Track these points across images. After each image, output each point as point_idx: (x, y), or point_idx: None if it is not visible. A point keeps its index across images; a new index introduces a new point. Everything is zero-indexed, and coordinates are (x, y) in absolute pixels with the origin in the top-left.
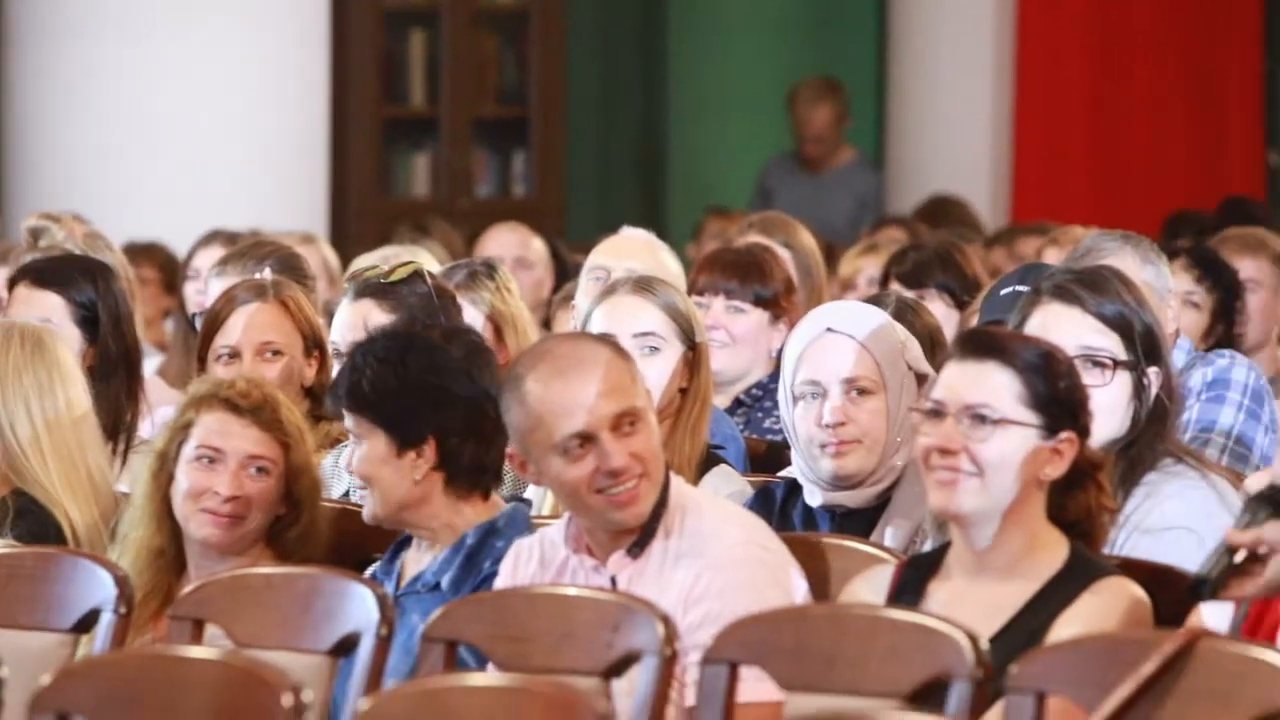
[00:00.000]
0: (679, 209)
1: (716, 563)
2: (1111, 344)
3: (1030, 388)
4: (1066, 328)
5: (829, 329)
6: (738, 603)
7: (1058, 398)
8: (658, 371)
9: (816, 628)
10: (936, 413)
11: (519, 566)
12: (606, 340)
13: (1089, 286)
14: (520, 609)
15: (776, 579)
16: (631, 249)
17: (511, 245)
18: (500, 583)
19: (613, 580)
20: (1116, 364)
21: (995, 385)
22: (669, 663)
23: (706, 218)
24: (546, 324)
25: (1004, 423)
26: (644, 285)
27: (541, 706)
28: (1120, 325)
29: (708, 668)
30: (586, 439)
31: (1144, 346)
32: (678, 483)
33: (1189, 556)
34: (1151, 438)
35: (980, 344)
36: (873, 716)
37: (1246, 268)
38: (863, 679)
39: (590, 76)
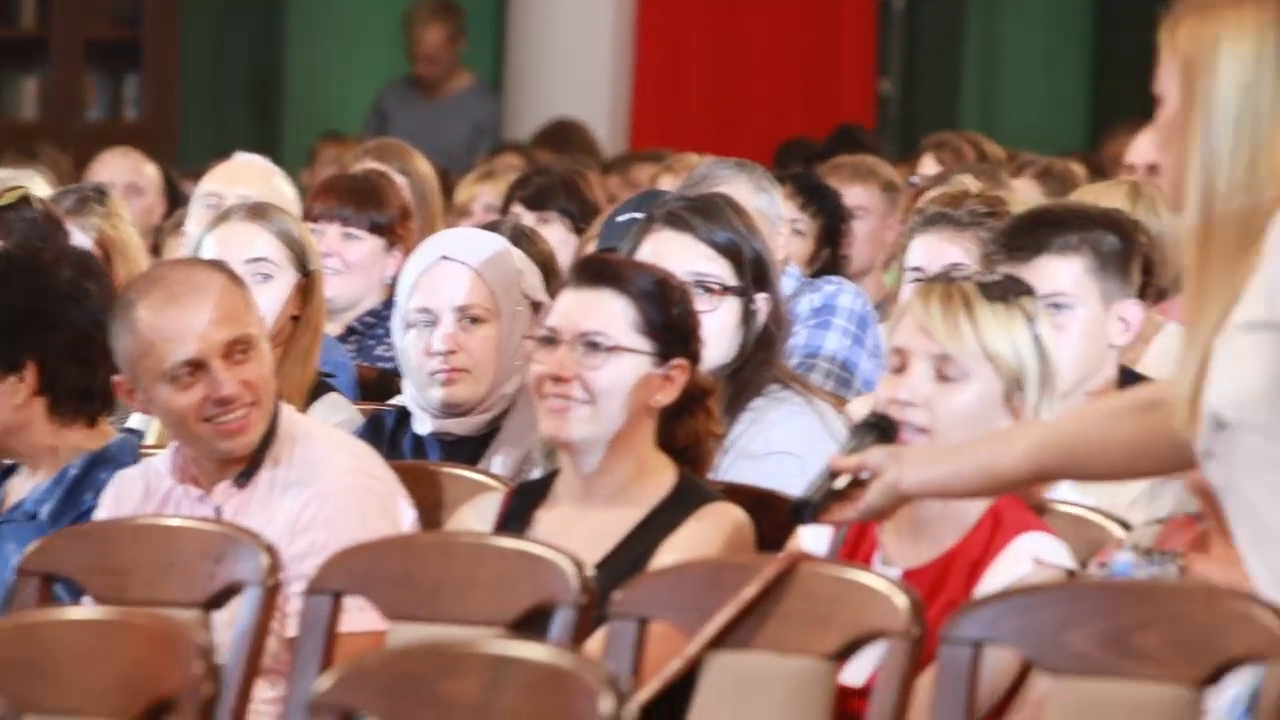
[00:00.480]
0: (295, 134)
1: (324, 491)
2: (721, 270)
3: (644, 315)
4: (677, 254)
5: (444, 256)
6: (344, 532)
7: (670, 325)
8: (270, 299)
9: (422, 556)
10: (550, 340)
11: (122, 498)
12: (220, 266)
13: (700, 213)
14: (121, 541)
15: (385, 507)
16: (245, 175)
17: (123, 170)
18: (101, 514)
19: (218, 510)
20: (725, 290)
21: (610, 313)
22: (271, 594)
23: (321, 143)
24: (156, 251)
25: (617, 350)
26: (257, 212)
27: (139, 639)
28: (730, 252)
29: (311, 598)
30: (197, 366)
31: (753, 273)
32: (288, 411)
33: (792, 481)
34: (758, 364)
35: (595, 271)
36: (472, 643)
37: (855, 195)
38: (468, 607)
39: None
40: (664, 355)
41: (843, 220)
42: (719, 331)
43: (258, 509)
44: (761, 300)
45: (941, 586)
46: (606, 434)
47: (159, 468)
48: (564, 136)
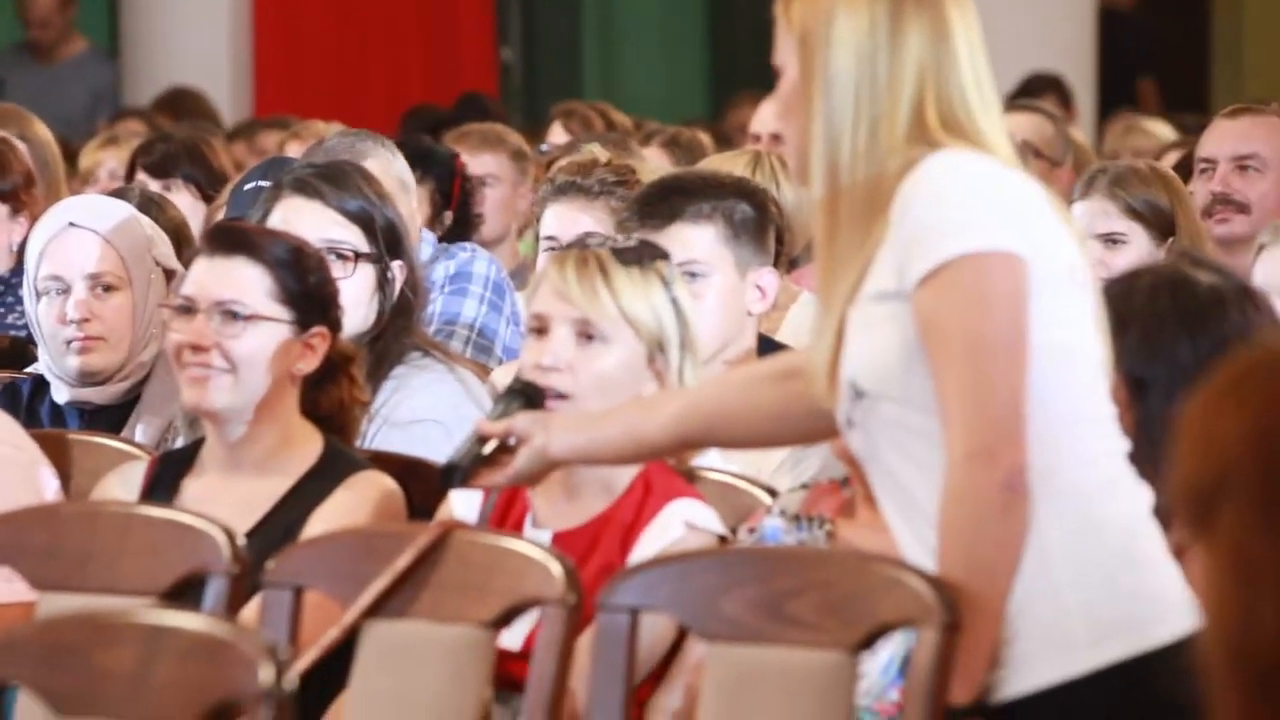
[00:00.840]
0: None
1: None
2: (353, 237)
3: (280, 283)
4: (309, 221)
5: (71, 223)
6: None
7: (308, 292)
8: None
9: (69, 526)
10: (187, 309)
11: None
12: None
13: (329, 181)
14: None
15: (28, 477)
16: None
17: None
18: None
19: None
20: (359, 256)
21: (246, 281)
22: None
23: None
24: None
25: (255, 318)
26: None
27: None
28: (361, 219)
29: None
30: None
31: (386, 240)
32: None
33: (438, 448)
34: (398, 331)
35: (229, 239)
36: (127, 613)
37: (485, 163)
38: (118, 577)
39: None
40: (303, 324)
41: (455, 180)
42: (355, 299)
43: None
44: (397, 268)
45: (594, 549)
46: (249, 402)
47: None
48: (183, 103)
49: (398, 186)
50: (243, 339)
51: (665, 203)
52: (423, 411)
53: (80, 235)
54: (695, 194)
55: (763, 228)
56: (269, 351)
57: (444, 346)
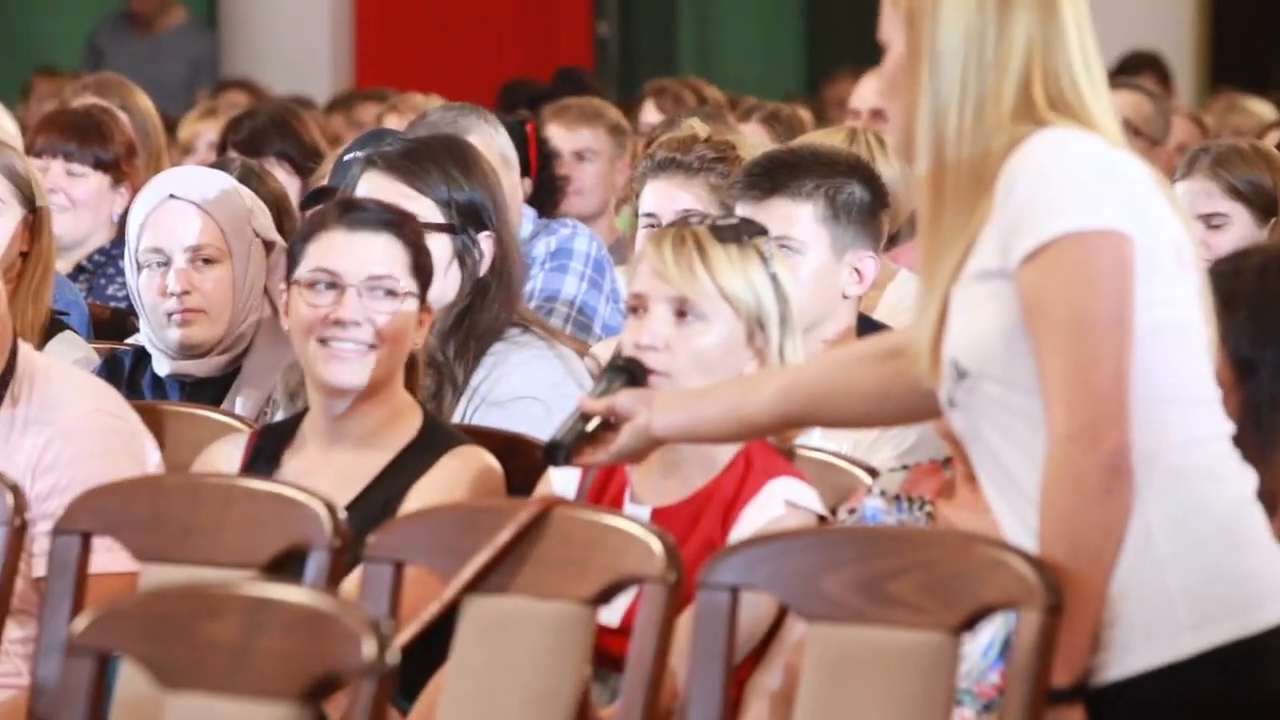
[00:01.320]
0: (6, 69)
1: (67, 431)
2: (422, 209)
3: (415, 259)
4: (381, 195)
5: (172, 195)
6: (89, 472)
7: (424, 267)
8: None
9: (171, 497)
10: (332, 284)
11: None
12: None
13: (404, 155)
14: None
15: (129, 448)
16: None
17: None
18: None
19: None
20: (428, 226)
21: (395, 257)
22: (18, 534)
23: (35, 78)
24: None
25: (405, 294)
26: None
27: None
28: (434, 193)
29: (59, 538)
30: None
31: (465, 214)
32: (25, 349)
33: (538, 425)
34: (491, 304)
35: (370, 215)
36: (231, 585)
37: (583, 137)
38: (219, 549)
39: None
40: (421, 298)
41: (529, 147)
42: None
43: None
44: (485, 240)
45: (693, 526)
46: (381, 380)
47: None
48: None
49: (500, 162)
50: (392, 316)
51: (769, 176)
52: (522, 388)
53: (181, 207)
54: (802, 170)
55: (871, 211)
56: (410, 328)
57: (543, 322)
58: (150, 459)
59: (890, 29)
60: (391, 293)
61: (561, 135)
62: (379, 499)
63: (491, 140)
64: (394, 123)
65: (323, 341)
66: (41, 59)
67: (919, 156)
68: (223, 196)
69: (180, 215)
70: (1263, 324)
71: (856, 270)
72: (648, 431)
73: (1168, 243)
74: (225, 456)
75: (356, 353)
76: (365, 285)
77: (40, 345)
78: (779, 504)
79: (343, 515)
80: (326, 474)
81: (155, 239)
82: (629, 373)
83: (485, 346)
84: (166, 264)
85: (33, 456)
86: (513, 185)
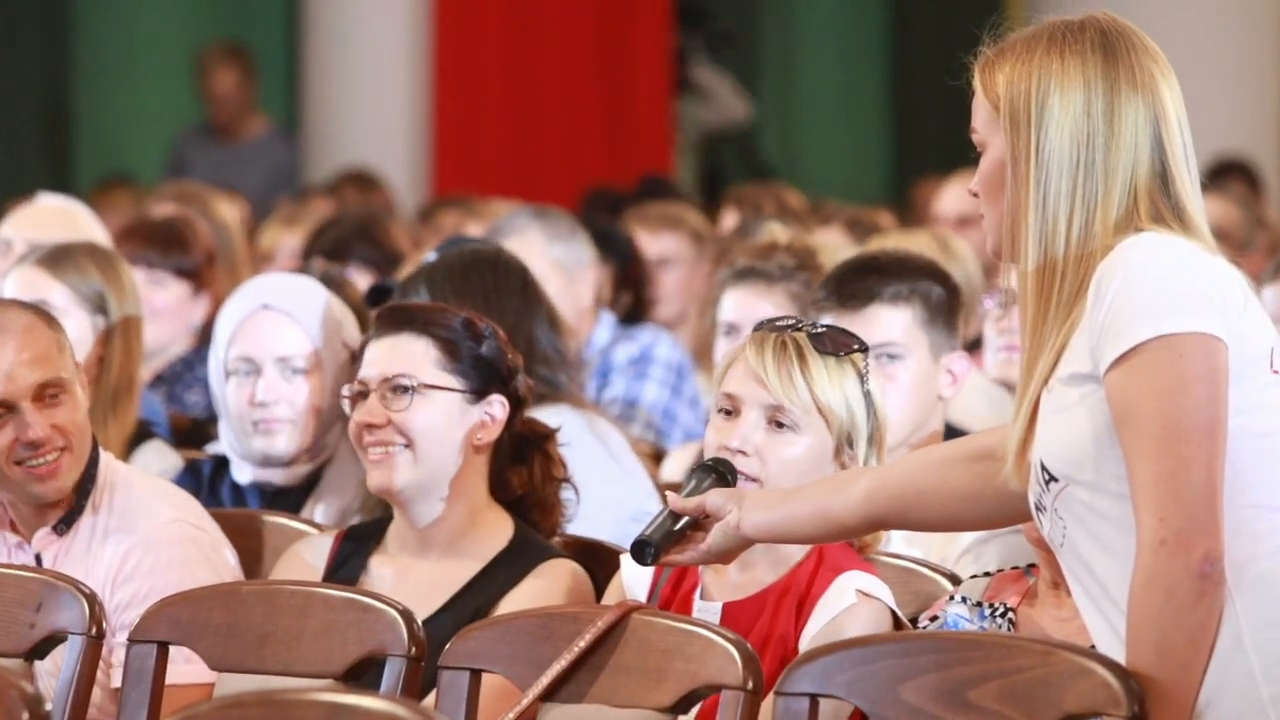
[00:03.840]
0: (85, 177)
1: (147, 540)
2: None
3: (449, 352)
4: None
5: (265, 305)
6: (168, 581)
7: (480, 360)
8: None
9: (248, 605)
10: (362, 394)
11: None
12: (31, 307)
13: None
14: None
15: (208, 557)
16: (49, 217)
17: None
18: None
19: (38, 558)
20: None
21: (411, 354)
22: (95, 643)
23: (111, 186)
24: None
25: (424, 389)
26: (49, 260)
27: None
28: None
29: (134, 647)
30: (6, 408)
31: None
32: (106, 457)
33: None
34: None
35: (395, 317)
36: (308, 692)
37: (665, 243)
38: (296, 657)
39: None
40: (478, 392)
41: (633, 264)
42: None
43: (78, 557)
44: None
45: (765, 619)
46: (433, 478)
47: None
48: (362, 183)
49: (549, 266)
50: (414, 411)
51: (862, 283)
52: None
53: (274, 317)
54: (891, 275)
55: (953, 310)
56: (444, 422)
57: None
58: (230, 567)
59: (989, 130)
60: (405, 389)
61: (644, 240)
62: (469, 607)
63: (546, 247)
64: (473, 230)
65: (364, 448)
66: (121, 166)
67: (1025, 258)
68: (315, 308)
69: (272, 325)
70: None
71: (950, 371)
72: (738, 531)
73: (1261, 348)
74: (312, 554)
75: (385, 455)
76: (385, 386)
77: (126, 455)
78: (851, 595)
79: (418, 623)
80: (416, 580)
81: (246, 348)
82: (717, 472)
83: None
84: (256, 373)
85: (113, 566)
86: (559, 288)
